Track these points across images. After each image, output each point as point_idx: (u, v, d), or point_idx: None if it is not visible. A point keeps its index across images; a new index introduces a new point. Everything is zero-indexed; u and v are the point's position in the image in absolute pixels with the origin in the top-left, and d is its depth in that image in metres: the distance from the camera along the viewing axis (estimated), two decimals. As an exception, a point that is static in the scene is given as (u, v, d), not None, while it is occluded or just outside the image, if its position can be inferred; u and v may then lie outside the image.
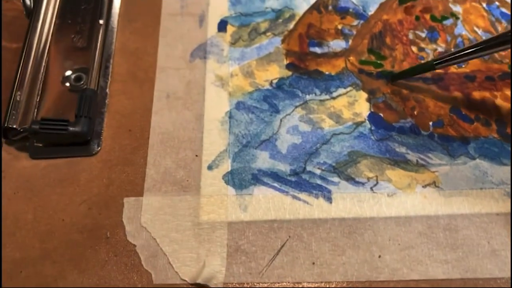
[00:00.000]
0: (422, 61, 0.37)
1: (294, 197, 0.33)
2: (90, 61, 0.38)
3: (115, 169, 0.34)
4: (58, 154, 0.35)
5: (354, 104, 0.36)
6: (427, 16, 0.39)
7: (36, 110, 0.35)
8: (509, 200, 0.32)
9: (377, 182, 0.33)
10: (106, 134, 0.36)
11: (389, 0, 0.40)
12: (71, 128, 0.34)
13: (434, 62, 0.34)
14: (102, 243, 0.32)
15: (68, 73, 0.37)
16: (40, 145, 0.35)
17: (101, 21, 0.39)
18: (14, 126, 0.34)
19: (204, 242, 0.31)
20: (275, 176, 0.33)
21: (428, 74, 0.37)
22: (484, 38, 0.38)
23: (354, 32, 0.39)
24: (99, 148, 0.35)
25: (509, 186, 0.33)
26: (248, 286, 0.30)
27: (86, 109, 0.35)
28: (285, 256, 0.31)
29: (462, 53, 0.32)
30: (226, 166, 0.34)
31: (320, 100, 0.36)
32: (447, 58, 0.33)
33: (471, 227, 0.32)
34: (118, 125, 0.36)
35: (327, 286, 0.30)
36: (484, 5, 0.40)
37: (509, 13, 0.39)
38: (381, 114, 0.35)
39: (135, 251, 0.31)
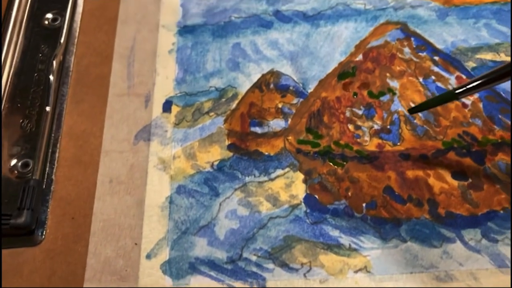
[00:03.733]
0: (358, 140, 0.38)
1: (230, 286, 0.34)
2: (37, 148, 0.39)
3: (58, 259, 0.35)
4: (0, 245, 0.35)
5: (291, 186, 0.37)
6: (365, 92, 0.41)
7: (-19, 200, 0.36)
8: (438, 284, 0.33)
9: (310, 268, 0.34)
10: (50, 222, 0.37)
11: (328, 77, 0.41)
12: (13, 221, 0.35)
13: (456, 91, 0.33)
14: None
15: (15, 161, 0.38)
16: (-16, 236, 0.36)
17: (48, 108, 0.40)
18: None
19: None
20: (212, 264, 0.34)
21: (364, 153, 0.37)
22: (419, 114, 0.39)
23: (294, 110, 0.40)
24: (43, 237, 0.36)
25: (438, 270, 0.33)
26: None
27: (29, 201, 0.36)
28: None
29: (485, 79, 0.32)
30: (165, 254, 0.35)
31: (259, 182, 0.37)
32: (469, 85, 0.33)
33: (400, 313, 0.32)
34: (62, 213, 0.37)
35: None
36: (421, 79, 0.41)
37: (444, 87, 0.40)
38: (317, 196, 0.36)
39: None
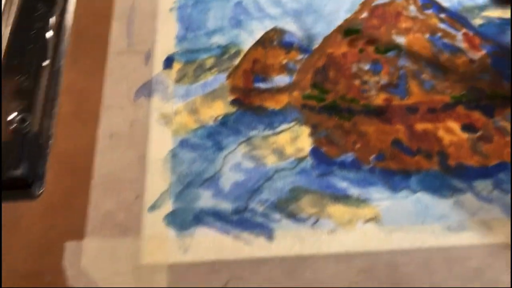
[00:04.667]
0: (365, 94, 0.37)
1: (236, 236, 0.33)
2: (35, 103, 0.37)
3: (57, 212, 0.34)
4: (-2, 199, 0.34)
5: (296, 140, 0.36)
6: (371, 49, 0.40)
7: (-23, 154, 0.35)
8: (449, 234, 0.32)
9: (318, 219, 0.33)
10: (49, 176, 0.36)
11: (333, 34, 0.41)
12: (10, 173, 0.33)
13: None
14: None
15: (13, 115, 0.37)
16: (-20, 190, 0.35)
17: (45, 63, 0.39)
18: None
19: (144, 286, 0.31)
20: (217, 215, 0.33)
21: (371, 107, 0.37)
22: (427, 69, 0.38)
23: (298, 66, 0.39)
24: (41, 191, 0.35)
25: (450, 220, 0.33)
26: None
27: (27, 153, 0.34)
28: (224, 298, 0.31)
29: None
30: (168, 207, 0.34)
31: (263, 136, 0.36)
32: None
33: (411, 264, 0.31)
34: (61, 167, 0.36)
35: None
36: (427, 36, 0.40)
37: (451, 43, 0.39)
38: (323, 149, 0.35)
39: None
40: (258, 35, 0.41)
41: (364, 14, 0.42)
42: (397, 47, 0.40)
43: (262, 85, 0.39)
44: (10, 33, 0.41)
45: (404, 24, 0.41)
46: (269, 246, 0.32)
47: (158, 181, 0.35)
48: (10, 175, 0.34)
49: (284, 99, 0.38)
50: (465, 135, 0.36)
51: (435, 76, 0.38)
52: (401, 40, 0.40)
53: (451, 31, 0.40)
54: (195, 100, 0.38)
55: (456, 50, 0.40)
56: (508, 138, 0.35)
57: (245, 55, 0.40)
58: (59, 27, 0.42)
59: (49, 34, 0.41)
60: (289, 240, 0.32)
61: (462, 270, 0.31)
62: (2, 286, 0.31)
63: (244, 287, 0.31)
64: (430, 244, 0.32)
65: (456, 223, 0.33)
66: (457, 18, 0.41)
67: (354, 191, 0.34)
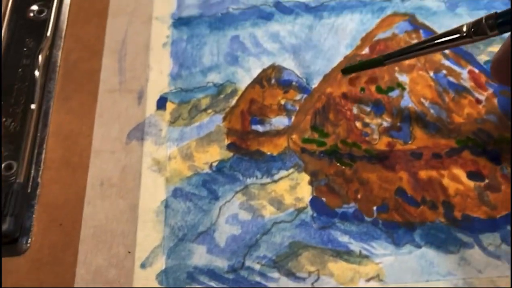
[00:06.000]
0: (367, 138, 0.36)
1: (231, 297, 0.31)
2: (21, 149, 0.36)
3: (44, 269, 0.33)
4: (-17, 254, 0.33)
5: (296, 188, 0.34)
6: (373, 88, 0.38)
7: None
8: (456, 294, 0.30)
9: (318, 277, 0.31)
10: (36, 229, 0.34)
11: (333, 72, 0.39)
12: (-5, 229, 0.32)
13: (384, 59, 0.35)
14: None
15: (-3, 164, 0.35)
16: (-36, 245, 0.33)
17: (33, 106, 0.37)
18: None
19: None
20: (212, 273, 0.32)
21: (374, 152, 0.35)
22: (431, 110, 0.37)
23: (297, 107, 0.37)
24: (28, 246, 0.33)
25: (456, 278, 0.31)
26: None
27: (13, 207, 0.33)
28: None
29: (411, 48, 0.34)
30: (161, 263, 0.32)
31: (261, 184, 0.35)
32: (396, 53, 0.35)
33: (416, 325, 0.30)
34: (49, 219, 0.34)
35: None
36: (431, 74, 0.38)
37: (456, 82, 0.38)
38: (324, 199, 0.34)
39: None
40: (256, 72, 0.40)
41: (365, 50, 0.40)
42: (400, 86, 0.38)
43: (260, 128, 0.37)
44: (-4, 71, 0.39)
45: (407, 61, 0.39)
46: (267, 307, 0.31)
47: (150, 234, 0.33)
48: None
49: (282, 143, 0.36)
50: (471, 184, 0.34)
51: (440, 118, 0.36)
52: (404, 78, 0.38)
53: (456, 68, 0.39)
54: (190, 144, 0.37)
55: (461, 89, 0.38)
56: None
57: (242, 95, 0.39)
58: (47, 64, 0.40)
59: (37, 72, 0.39)
60: (288, 301, 0.31)
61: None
62: None
63: None
64: (436, 305, 0.30)
65: (462, 281, 0.31)
66: (462, 54, 0.39)
67: (356, 246, 0.33)
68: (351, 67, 0.39)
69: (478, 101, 0.38)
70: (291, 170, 0.35)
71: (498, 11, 0.30)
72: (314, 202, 0.34)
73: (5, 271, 0.33)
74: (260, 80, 0.39)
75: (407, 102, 0.38)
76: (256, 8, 0.42)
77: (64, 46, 0.42)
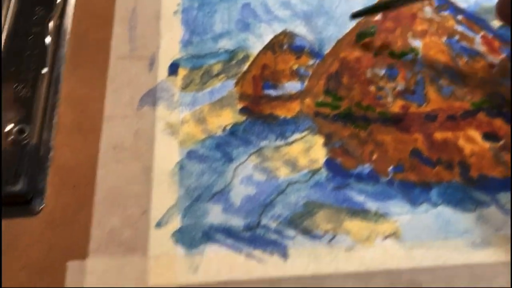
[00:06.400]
0: (381, 101, 0.36)
1: (248, 255, 0.31)
2: (33, 113, 0.35)
3: (58, 230, 0.32)
4: (-4, 215, 0.32)
5: (310, 150, 0.34)
6: (386, 53, 0.38)
7: (-26, 168, 0.33)
8: (474, 250, 0.30)
9: (334, 235, 0.31)
10: (49, 191, 0.34)
11: (346, 37, 0.39)
12: (8, 188, 0.31)
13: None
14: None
15: (10, 126, 0.35)
16: (-23, 206, 0.33)
17: (44, 70, 0.37)
18: None
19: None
20: (228, 232, 0.31)
21: (388, 115, 0.35)
22: (445, 74, 0.36)
23: (310, 72, 0.37)
24: (41, 207, 0.33)
25: (474, 235, 0.31)
26: None
27: (26, 167, 0.32)
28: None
29: None
30: (176, 223, 0.32)
31: (275, 146, 0.34)
32: None
33: (435, 282, 0.30)
34: (62, 181, 0.34)
35: None
36: (444, 39, 0.38)
37: (469, 47, 0.37)
38: (338, 160, 0.33)
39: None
40: (267, 39, 0.39)
41: (378, 16, 0.39)
42: (413, 51, 0.38)
43: (272, 92, 0.37)
44: (6, 38, 0.39)
45: (420, 27, 0.39)
46: (283, 264, 0.31)
47: (165, 195, 0.33)
48: (9, 191, 0.32)
49: (295, 106, 0.36)
50: (486, 144, 0.34)
51: (454, 81, 0.36)
52: (417, 43, 0.38)
53: (469, 33, 0.39)
54: (203, 108, 0.36)
55: (475, 54, 0.38)
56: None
57: (254, 61, 0.38)
58: (57, 32, 0.40)
59: (48, 39, 0.39)
60: (304, 258, 0.31)
61: (489, 289, 0.29)
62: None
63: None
64: (454, 261, 0.30)
65: (480, 238, 0.31)
66: (475, 20, 0.39)
67: (372, 205, 0.32)
68: (361, 11, 0.39)
69: (492, 65, 0.37)
70: (305, 133, 0.35)
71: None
72: (329, 163, 0.34)
73: (19, 232, 0.32)
74: (272, 46, 0.39)
75: (421, 66, 0.37)
76: (267, -26, 0.42)
77: (74, 15, 0.41)
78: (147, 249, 0.31)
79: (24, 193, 0.32)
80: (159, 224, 0.32)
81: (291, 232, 0.32)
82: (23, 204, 0.33)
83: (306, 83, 0.37)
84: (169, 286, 0.30)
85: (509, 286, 0.29)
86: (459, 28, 0.39)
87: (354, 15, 0.38)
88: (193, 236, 0.32)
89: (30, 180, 0.33)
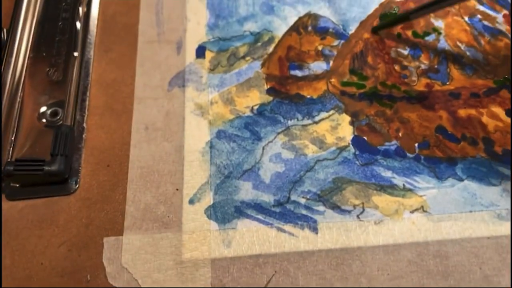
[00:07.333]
0: (405, 80, 0.36)
1: (279, 229, 0.32)
2: (66, 95, 0.37)
3: (94, 207, 0.33)
4: (35, 194, 0.34)
5: (337, 128, 0.35)
6: (409, 33, 0.38)
7: (11, 149, 0.34)
8: (500, 222, 0.31)
9: (363, 210, 0.32)
10: (84, 171, 0.35)
11: (369, 18, 0.39)
12: (46, 168, 0.33)
13: (410, 14, 0.37)
14: (83, 287, 0.30)
15: (44, 109, 0.36)
16: (17, 185, 0.34)
17: (75, 53, 0.38)
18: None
19: (187, 282, 0.30)
20: (259, 207, 0.32)
21: (413, 93, 0.35)
22: (467, 53, 0.37)
23: (335, 52, 0.38)
24: (77, 186, 0.34)
25: (499, 208, 0.31)
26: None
27: (62, 147, 0.34)
28: (271, 292, 0.30)
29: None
30: (208, 199, 0.33)
31: (303, 125, 0.35)
32: (422, 7, 0.36)
33: (462, 253, 0.31)
34: (96, 161, 0.35)
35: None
36: (466, 18, 0.39)
37: (491, 26, 0.38)
38: (365, 137, 0.34)
39: (116, 294, 0.30)
40: (292, 21, 0.40)
41: (401, -4, 0.40)
42: (435, 31, 0.38)
43: (298, 72, 0.38)
44: (37, 24, 0.40)
45: (442, 7, 0.39)
46: (314, 238, 0.31)
47: (197, 172, 0.34)
48: (46, 170, 0.33)
49: (322, 86, 0.37)
50: (510, 121, 0.34)
51: (476, 60, 0.37)
52: (439, 23, 0.39)
53: (491, 13, 0.39)
54: (230, 89, 0.37)
55: (497, 33, 0.38)
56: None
57: (279, 42, 0.39)
58: (86, 17, 0.41)
59: (77, 24, 0.40)
60: (334, 232, 0.32)
61: (515, 259, 0.30)
62: (37, 281, 0.31)
63: (289, 280, 0.30)
64: (481, 233, 0.31)
65: (506, 211, 0.32)
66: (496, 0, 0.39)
67: (399, 180, 0.33)
68: (381, 25, 0.40)
69: (514, 43, 0.38)
70: (331, 112, 0.36)
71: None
72: (356, 140, 0.35)
73: (57, 210, 0.33)
74: (297, 28, 0.40)
75: (444, 45, 0.38)
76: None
77: (101, 1, 0.42)
78: (181, 224, 0.32)
79: (61, 172, 0.33)
80: (192, 201, 0.33)
81: (320, 207, 0.33)
82: (60, 183, 0.34)
83: (331, 63, 0.38)
84: (204, 259, 0.31)
85: (510, 286, 0.30)
86: (481, 7, 0.39)
87: (374, 30, 0.40)
88: (225, 212, 0.33)
89: (66, 159, 0.34)
